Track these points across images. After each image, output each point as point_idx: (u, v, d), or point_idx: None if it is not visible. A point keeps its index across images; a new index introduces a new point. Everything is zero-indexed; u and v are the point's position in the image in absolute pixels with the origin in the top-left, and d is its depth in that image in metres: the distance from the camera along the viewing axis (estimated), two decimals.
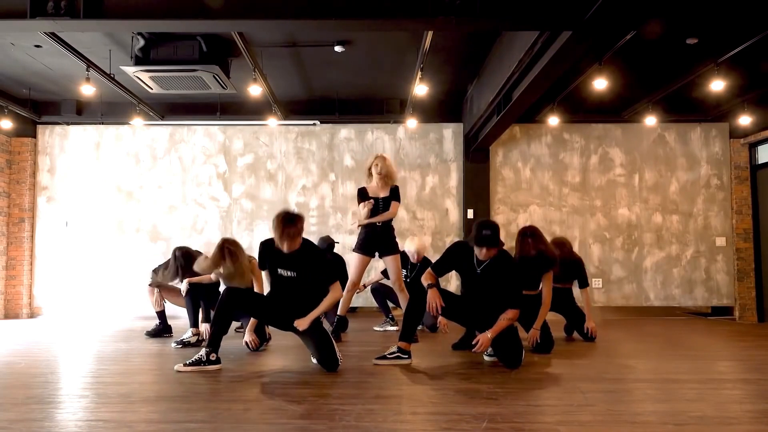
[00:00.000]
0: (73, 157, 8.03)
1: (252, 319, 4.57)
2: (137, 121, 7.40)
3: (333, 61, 6.26)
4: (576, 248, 5.96)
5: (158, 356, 4.60)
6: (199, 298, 5.14)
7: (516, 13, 4.17)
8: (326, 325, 4.40)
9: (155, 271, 5.55)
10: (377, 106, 7.73)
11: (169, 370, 3.90)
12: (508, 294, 4.07)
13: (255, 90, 5.97)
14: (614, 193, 7.92)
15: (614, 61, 5.49)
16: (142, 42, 5.46)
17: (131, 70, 5.62)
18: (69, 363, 4.33)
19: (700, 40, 5.39)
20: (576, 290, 5.50)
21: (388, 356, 4.11)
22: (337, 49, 5.82)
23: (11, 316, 7.75)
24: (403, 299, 5.12)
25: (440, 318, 5.34)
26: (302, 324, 3.83)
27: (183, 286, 5.13)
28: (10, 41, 5.63)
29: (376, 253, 5.20)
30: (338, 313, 5.30)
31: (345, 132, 8.05)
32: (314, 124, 8.02)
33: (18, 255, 7.83)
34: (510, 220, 7.81)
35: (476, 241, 4.01)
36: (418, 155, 8.02)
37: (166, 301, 5.58)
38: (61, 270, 7.90)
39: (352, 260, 5.32)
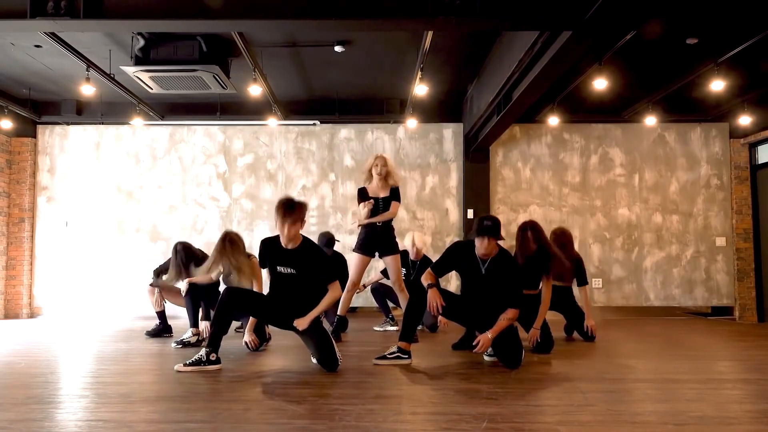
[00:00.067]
0: (73, 157, 8.03)
1: (252, 319, 4.58)
2: (137, 121, 7.40)
3: (333, 61, 6.25)
4: (576, 248, 5.97)
5: (158, 356, 4.60)
6: (199, 298, 5.14)
7: (516, 13, 4.17)
8: (326, 325, 4.40)
9: (157, 272, 5.55)
10: (377, 106, 7.73)
11: (169, 370, 3.90)
12: (509, 293, 4.07)
13: (255, 90, 5.97)
14: (614, 193, 7.92)
15: (614, 61, 5.49)
16: (142, 42, 5.46)
17: (131, 70, 5.62)
18: (69, 363, 4.33)
19: (700, 40, 5.39)
20: (575, 289, 5.50)
21: (388, 356, 4.11)
22: (337, 49, 5.82)
23: (11, 316, 7.75)
24: (403, 299, 5.12)
25: (440, 317, 5.34)
26: (302, 324, 3.83)
27: (183, 286, 5.13)
28: (10, 41, 5.63)
29: (376, 253, 5.21)
30: (338, 313, 5.30)
31: (345, 132, 8.05)
32: (314, 124, 8.02)
33: (18, 255, 7.83)
34: (510, 220, 7.80)
35: (478, 231, 4.01)
36: (418, 155, 8.02)
37: (166, 301, 5.58)
38: (61, 270, 7.90)
39: (352, 260, 5.33)
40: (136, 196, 8.00)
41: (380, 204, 5.15)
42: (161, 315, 5.61)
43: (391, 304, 6.23)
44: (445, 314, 4.14)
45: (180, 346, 4.95)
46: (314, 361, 4.01)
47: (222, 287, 4.47)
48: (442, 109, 7.91)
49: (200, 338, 5.01)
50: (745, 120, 7.07)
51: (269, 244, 3.98)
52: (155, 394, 3.30)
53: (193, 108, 7.81)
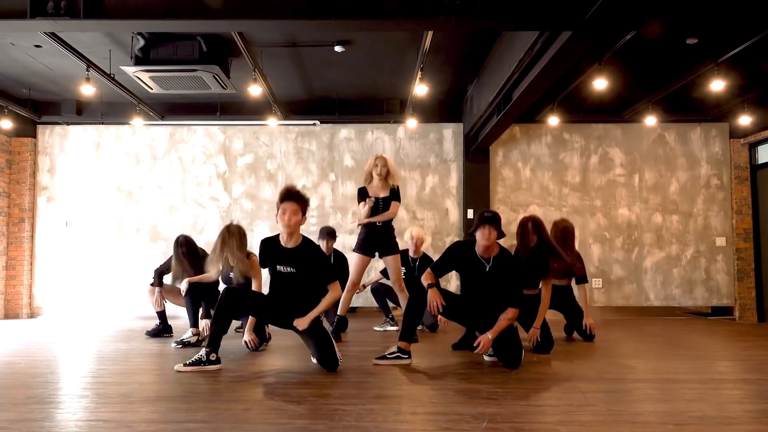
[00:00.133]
0: (73, 157, 8.03)
1: (251, 319, 4.58)
2: (137, 121, 7.40)
3: (333, 61, 6.25)
4: (576, 248, 5.98)
5: (158, 356, 4.60)
6: (199, 298, 5.14)
7: (516, 13, 4.17)
8: (326, 325, 4.40)
9: (158, 272, 5.53)
10: (377, 106, 7.73)
11: (169, 370, 3.90)
12: (509, 293, 4.07)
13: (255, 90, 5.97)
14: (614, 193, 7.92)
15: (614, 61, 5.49)
16: (142, 42, 5.46)
17: (131, 70, 5.62)
18: (69, 363, 4.33)
19: (700, 40, 5.38)
20: (575, 288, 5.50)
21: (388, 356, 4.11)
22: (337, 49, 5.82)
23: (11, 316, 7.75)
24: (403, 299, 5.12)
25: (440, 317, 5.34)
26: (302, 323, 3.83)
27: (183, 285, 5.13)
28: (10, 41, 5.63)
29: (376, 253, 5.21)
30: (338, 313, 5.30)
31: (345, 132, 8.05)
32: (314, 124, 8.02)
33: (18, 255, 7.83)
34: (510, 220, 7.80)
35: (479, 221, 4.02)
36: (418, 155, 8.02)
37: (166, 301, 5.58)
38: (61, 270, 7.90)
39: (352, 260, 5.32)
40: (136, 196, 8.00)
41: (380, 204, 5.15)
42: (161, 315, 5.60)
43: (391, 304, 6.23)
44: (445, 314, 4.14)
45: (180, 346, 4.95)
46: (314, 361, 4.01)
47: (222, 287, 4.47)
48: (442, 109, 7.91)
49: (200, 338, 5.01)
50: (745, 120, 7.07)
51: (269, 244, 3.98)
52: (155, 394, 3.30)
53: (193, 108, 7.81)
